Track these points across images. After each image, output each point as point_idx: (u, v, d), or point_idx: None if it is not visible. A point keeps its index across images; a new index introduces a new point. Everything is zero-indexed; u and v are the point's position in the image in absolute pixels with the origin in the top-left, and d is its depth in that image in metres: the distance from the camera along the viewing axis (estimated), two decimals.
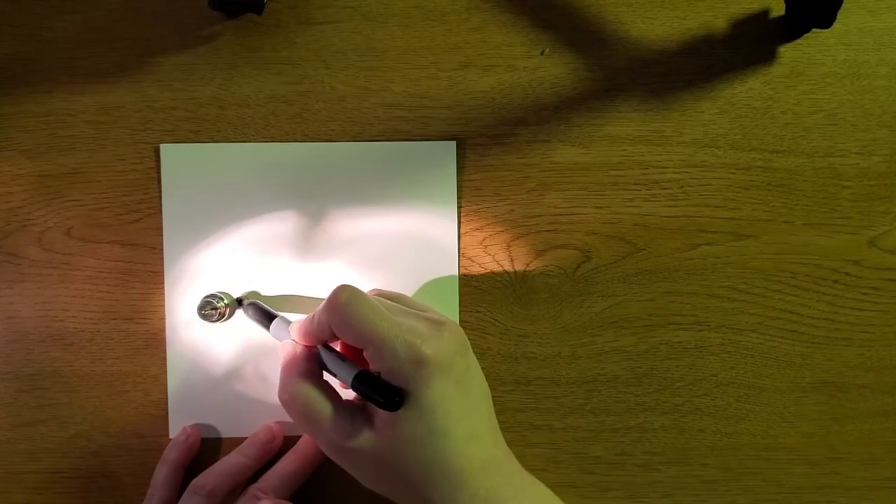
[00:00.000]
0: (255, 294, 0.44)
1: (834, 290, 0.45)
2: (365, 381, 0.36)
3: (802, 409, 0.46)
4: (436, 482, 0.36)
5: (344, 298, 0.37)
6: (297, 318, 0.41)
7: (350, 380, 0.37)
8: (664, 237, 0.45)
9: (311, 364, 0.39)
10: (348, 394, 0.39)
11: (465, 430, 0.37)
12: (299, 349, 0.40)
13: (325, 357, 0.39)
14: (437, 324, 0.38)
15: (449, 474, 0.36)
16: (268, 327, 0.42)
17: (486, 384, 0.40)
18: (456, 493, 0.36)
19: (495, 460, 0.38)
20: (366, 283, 0.45)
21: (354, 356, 0.39)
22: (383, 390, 0.36)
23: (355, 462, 0.38)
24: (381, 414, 0.37)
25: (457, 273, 0.45)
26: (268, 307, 0.43)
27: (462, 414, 0.37)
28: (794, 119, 0.46)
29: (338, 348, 0.40)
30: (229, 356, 0.45)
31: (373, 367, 0.37)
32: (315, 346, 0.40)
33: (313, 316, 0.39)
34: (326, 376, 0.40)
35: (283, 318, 0.42)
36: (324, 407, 0.38)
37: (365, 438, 0.37)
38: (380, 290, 0.43)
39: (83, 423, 0.45)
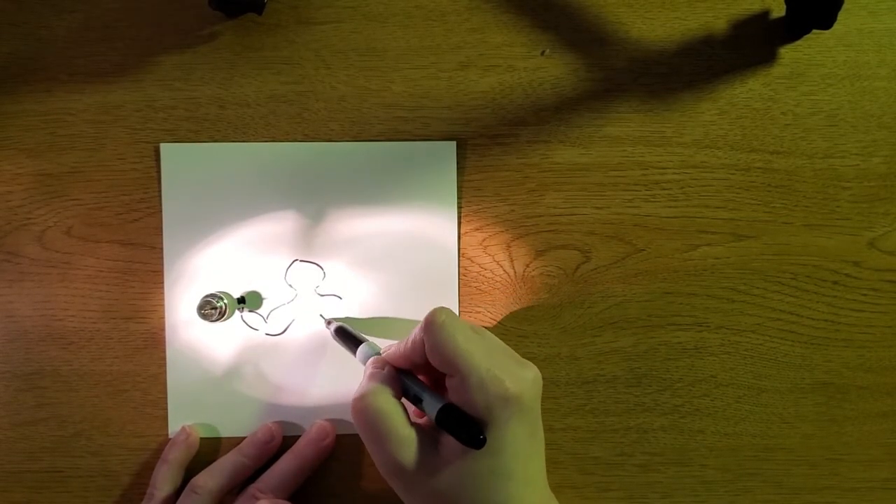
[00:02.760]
0: (255, 295, 0.44)
1: (834, 292, 0.46)
2: (450, 414, 0.36)
3: (802, 409, 0.46)
4: None
5: (441, 319, 0.37)
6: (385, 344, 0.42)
7: (435, 410, 0.37)
8: (664, 238, 0.45)
9: (395, 382, 0.39)
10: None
11: (525, 473, 0.37)
12: (388, 367, 0.40)
13: (410, 383, 0.39)
14: (522, 363, 0.38)
15: None
16: (354, 351, 0.42)
17: (542, 430, 0.40)
18: None
19: None
20: (365, 283, 0.45)
21: (432, 388, 0.39)
22: (469, 426, 0.35)
23: (408, 486, 0.38)
24: (449, 445, 0.37)
25: (457, 273, 0.45)
26: (355, 331, 0.43)
27: (526, 457, 0.37)
28: (794, 120, 0.46)
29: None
30: (229, 356, 0.45)
31: (453, 396, 0.37)
32: (401, 371, 0.40)
33: (407, 338, 0.39)
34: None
35: (370, 343, 0.42)
36: (396, 424, 0.37)
37: (427, 466, 0.37)
38: (462, 320, 0.43)
39: (83, 423, 0.45)
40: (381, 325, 0.45)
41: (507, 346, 0.40)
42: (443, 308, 0.38)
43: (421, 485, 0.37)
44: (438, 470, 0.37)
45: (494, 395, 0.36)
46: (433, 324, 0.37)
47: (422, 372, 0.40)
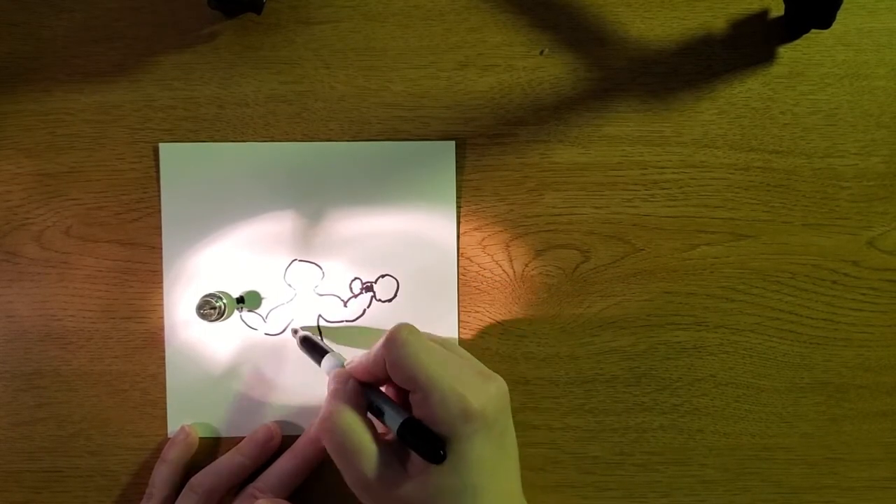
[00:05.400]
0: (254, 295, 0.44)
1: (833, 291, 0.46)
2: (411, 429, 0.36)
3: (801, 409, 0.46)
4: None
5: (402, 337, 0.37)
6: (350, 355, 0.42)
7: (396, 425, 0.37)
8: (663, 237, 0.45)
9: (359, 398, 0.39)
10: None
11: (496, 487, 0.37)
12: (351, 382, 0.40)
13: (374, 397, 0.39)
14: (486, 377, 0.38)
15: None
16: (319, 361, 0.42)
17: (516, 441, 0.40)
18: None
19: None
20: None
21: (398, 400, 0.40)
22: (429, 440, 0.36)
23: (376, 501, 0.37)
24: (416, 461, 0.37)
25: (456, 273, 0.45)
26: (320, 341, 0.43)
27: (496, 472, 0.37)
28: (793, 119, 0.46)
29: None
30: (228, 355, 0.45)
31: (416, 411, 0.37)
32: (365, 384, 0.40)
33: (370, 352, 0.39)
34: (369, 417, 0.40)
35: (335, 353, 0.42)
36: (362, 441, 0.37)
37: (396, 482, 0.37)
38: (429, 334, 0.43)
39: (82, 422, 0.45)
40: (363, 334, 0.45)
41: (474, 359, 0.40)
42: (405, 324, 0.38)
43: (389, 499, 0.37)
44: (404, 484, 0.36)
45: (456, 411, 0.35)
46: (394, 341, 0.37)
47: (387, 385, 0.40)
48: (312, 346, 0.43)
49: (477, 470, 0.36)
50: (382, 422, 0.39)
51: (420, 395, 0.36)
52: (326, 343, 0.44)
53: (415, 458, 0.37)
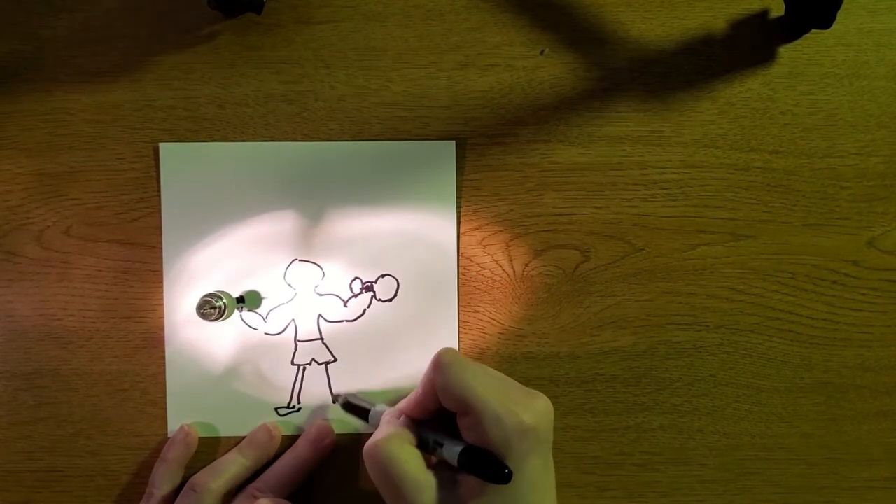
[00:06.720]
0: (254, 295, 0.44)
1: (833, 291, 0.46)
2: (473, 454, 0.36)
3: (801, 409, 0.46)
4: None
5: (448, 359, 0.37)
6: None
7: (454, 453, 0.36)
8: (663, 237, 0.45)
9: (411, 430, 0.39)
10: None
11: None
12: (402, 417, 0.40)
13: (426, 431, 0.39)
14: (532, 395, 0.38)
15: None
16: (366, 418, 0.42)
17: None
18: None
19: None
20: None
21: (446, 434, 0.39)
22: (494, 464, 0.35)
23: None
24: (467, 485, 0.36)
25: (456, 273, 0.45)
26: (361, 401, 0.43)
27: (542, 489, 0.37)
28: (794, 120, 0.46)
29: None
30: (228, 355, 0.45)
31: (467, 435, 0.37)
32: (415, 421, 0.40)
33: (418, 386, 0.39)
34: None
35: (381, 405, 0.42)
36: (413, 469, 0.37)
37: None
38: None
39: (82, 422, 0.45)
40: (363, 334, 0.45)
41: (511, 379, 0.40)
42: (448, 348, 0.38)
43: None
44: None
45: (512, 428, 0.35)
46: (441, 364, 0.37)
47: (435, 420, 0.40)
48: (355, 408, 0.43)
49: (531, 487, 0.36)
50: (438, 454, 0.38)
51: (472, 417, 0.36)
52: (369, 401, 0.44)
53: (467, 482, 0.36)
